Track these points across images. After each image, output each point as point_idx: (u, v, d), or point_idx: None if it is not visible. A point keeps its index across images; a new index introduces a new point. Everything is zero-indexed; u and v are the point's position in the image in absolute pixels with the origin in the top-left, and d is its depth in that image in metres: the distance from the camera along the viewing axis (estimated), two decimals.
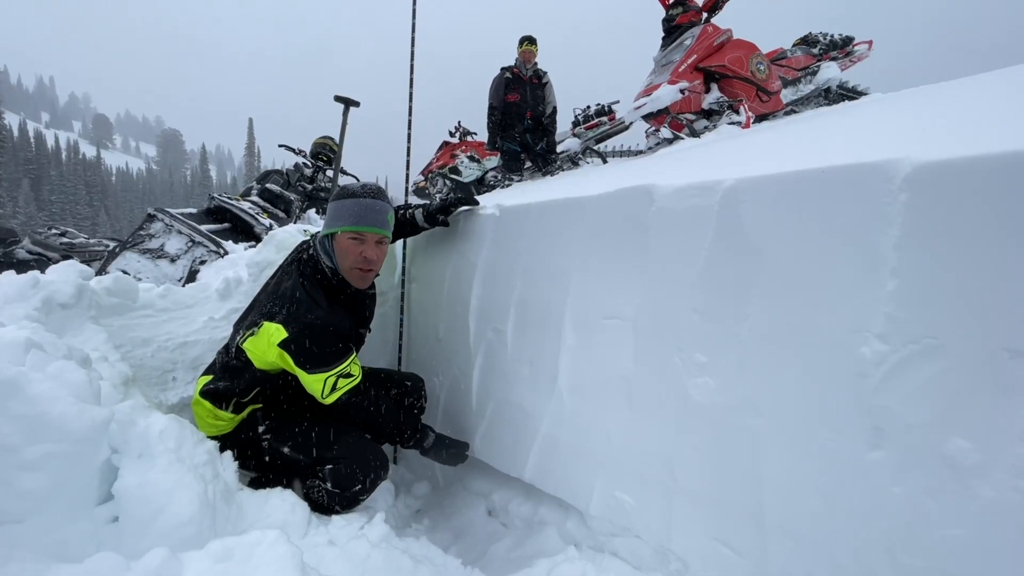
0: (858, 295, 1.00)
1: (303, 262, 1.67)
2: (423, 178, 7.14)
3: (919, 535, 0.93)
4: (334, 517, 1.51)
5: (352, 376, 1.60)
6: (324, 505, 1.60)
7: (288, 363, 1.54)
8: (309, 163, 5.69)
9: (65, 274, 1.78)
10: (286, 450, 1.63)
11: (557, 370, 1.63)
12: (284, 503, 1.42)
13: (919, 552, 0.93)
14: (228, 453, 1.49)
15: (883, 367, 0.96)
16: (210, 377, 1.67)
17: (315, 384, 1.55)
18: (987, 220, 0.86)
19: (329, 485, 1.58)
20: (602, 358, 1.51)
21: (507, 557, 1.66)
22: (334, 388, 1.57)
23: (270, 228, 4.27)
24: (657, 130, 4.14)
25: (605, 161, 5.28)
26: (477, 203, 2.07)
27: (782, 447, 1.12)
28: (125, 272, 3.74)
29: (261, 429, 1.65)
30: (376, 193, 1.66)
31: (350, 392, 1.60)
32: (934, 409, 0.91)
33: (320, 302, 1.58)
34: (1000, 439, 0.84)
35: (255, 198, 5.12)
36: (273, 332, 1.52)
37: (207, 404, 1.63)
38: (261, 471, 1.70)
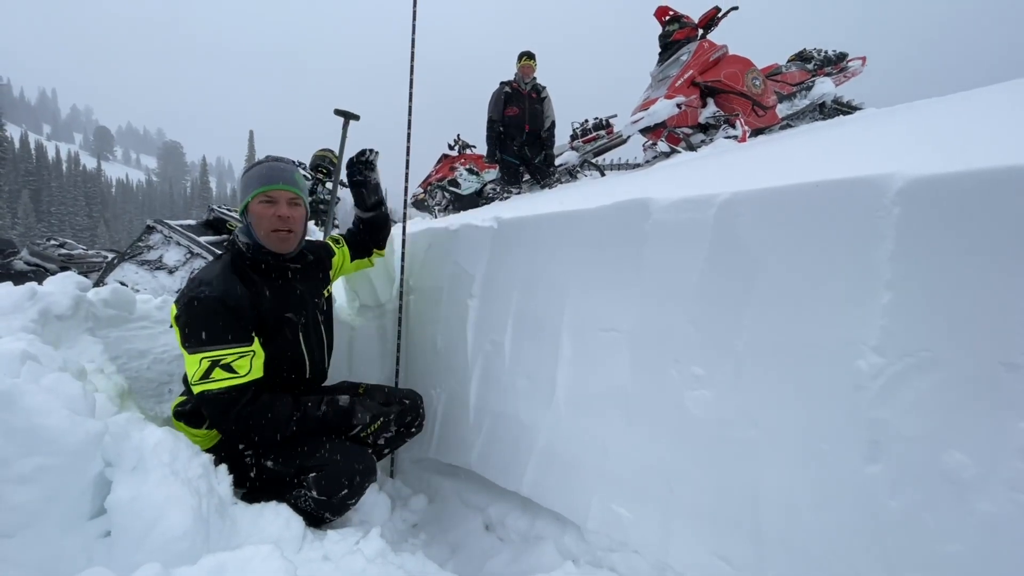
0: (853, 308, 1.00)
1: (224, 250, 1.67)
2: (422, 191, 7.18)
3: (918, 549, 0.92)
4: (329, 532, 1.49)
5: (235, 374, 1.42)
6: (313, 514, 1.57)
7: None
8: (308, 175, 5.72)
9: (62, 285, 1.78)
10: (269, 464, 1.61)
11: (555, 382, 1.63)
12: (278, 517, 1.40)
13: (919, 566, 0.92)
14: (223, 467, 1.47)
15: (879, 380, 0.96)
16: (183, 398, 1.66)
17: (190, 366, 1.40)
18: (980, 233, 0.86)
19: (315, 493, 1.56)
20: (599, 370, 1.50)
21: (504, 572, 1.64)
22: (207, 376, 1.39)
23: None
24: (654, 144, 4.19)
25: (603, 174, 5.32)
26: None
27: (779, 460, 1.12)
28: (123, 283, 3.74)
29: (241, 446, 1.63)
30: (278, 158, 1.68)
31: (229, 390, 1.41)
32: (931, 422, 0.91)
33: (215, 278, 1.49)
34: (997, 452, 0.84)
35: None
36: (174, 314, 1.46)
37: (181, 424, 1.62)
38: (247, 488, 1.68)
